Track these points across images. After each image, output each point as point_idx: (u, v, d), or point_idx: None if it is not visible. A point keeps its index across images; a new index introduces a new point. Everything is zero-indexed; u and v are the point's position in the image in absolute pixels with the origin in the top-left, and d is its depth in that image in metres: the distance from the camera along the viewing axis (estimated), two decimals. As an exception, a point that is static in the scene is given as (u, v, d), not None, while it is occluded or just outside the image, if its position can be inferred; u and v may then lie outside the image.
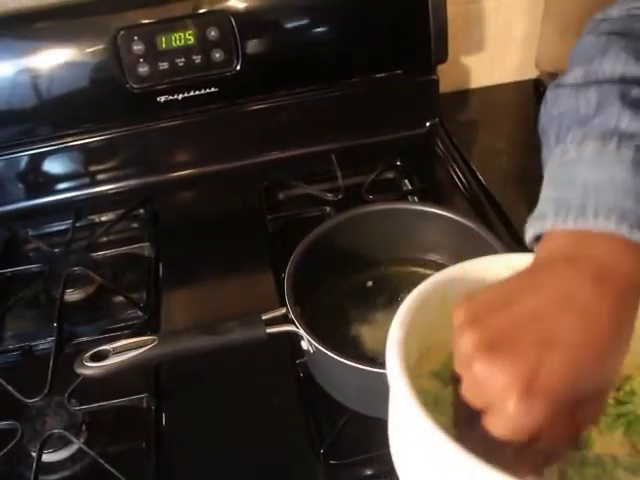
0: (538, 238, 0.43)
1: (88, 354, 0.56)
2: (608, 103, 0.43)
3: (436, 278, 0.47)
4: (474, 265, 0.48)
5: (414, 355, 0.43)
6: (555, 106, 0.48)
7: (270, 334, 0.60)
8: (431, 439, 0.36)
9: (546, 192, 0.43)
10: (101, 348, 0.56)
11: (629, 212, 0.39)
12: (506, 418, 0.35)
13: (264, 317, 0.61)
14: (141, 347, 0.56)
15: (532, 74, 1.08)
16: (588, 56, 0.47)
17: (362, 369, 0.57)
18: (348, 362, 0.57)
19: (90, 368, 0.56)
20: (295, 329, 0.60)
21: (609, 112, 0.43)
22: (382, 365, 0.55)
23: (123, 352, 0.56)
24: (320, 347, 0.58)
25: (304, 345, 0.61)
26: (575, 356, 0.36)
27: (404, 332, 0.42)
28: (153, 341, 0.57)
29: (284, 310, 0.61)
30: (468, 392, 0.38)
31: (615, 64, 0.45)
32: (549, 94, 0.50)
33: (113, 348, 0.56)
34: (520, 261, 0.47)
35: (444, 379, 0.45)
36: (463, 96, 1.08)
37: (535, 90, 1.07)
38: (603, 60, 0.46)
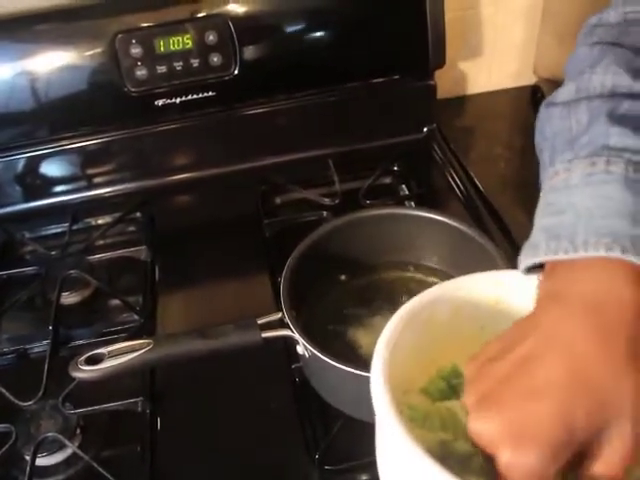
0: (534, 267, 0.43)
1: (83, 357, 0.56)
2: (597, 121, 0.43)
3: (423, 296, 0.46)
4: (461, 283, 0.49)
5: (403, 372, 0.43)
6: (548, 125, 0.47)
7: (266, 338, 0.60)
8: (411, 458, 0.37)
9: (538, 219, 0.43)
10: (96, 351, 0.56)
11: (621, 235, 0.38)
12: (506, 468, 0.36)
13: (260, 321, 0.60)
14: (136, 350, 0.56)
15: (530, 80, 1.08)
16: (580, 69, 0.47)
17: (357, 374, 0.57)
18: (343, 367, 0.57)
19: (85, 371, 0.55)
20: (291, 333, 0.60)
21: (597, 130, 0.42)
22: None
23: (118, 355, 0.56)
24: (315, 352, 0.58)
25: (300, 350, 0.61)
26: (562, 399, 0.36)
27: (389, 351, 0.42)
28: (148, 344, 0.57)
29: (280, 314, 0.61)
30: (478, 445, 0.38)
31: (605, 77, 0.45)
32: (542, 112, 0.49)
33: (108, 351, 0.56)
34: (508, 278, 0.47)
35: (433, 395, 0.45)
36: (460, 102, 1.09)
37: (532, 96, 1.07)
38: (593, 74, 0.46)
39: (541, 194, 0.45)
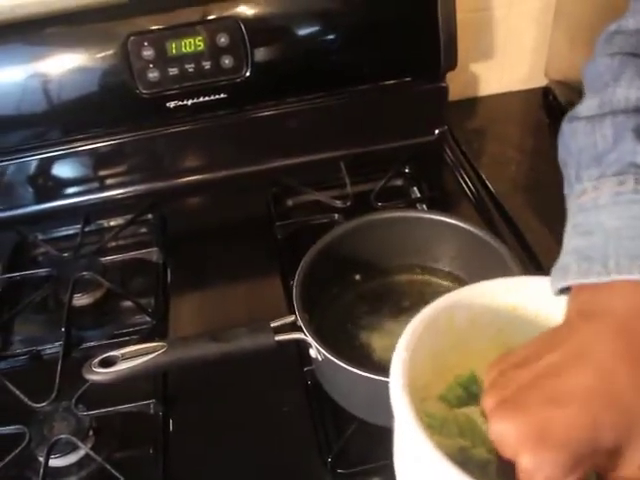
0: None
1: (97, 360, 0.56)
2: (623, 138, 0.43)
3: (442, 301, 0.46)
4: (479, 288, 0.48)
5: (421, 378, 0.43)
6: (573, 141, 0.47)
7: (279, 342, 0.60)
8: (432, 463, 0.37)
9: (567, 240, 0.43)
10: (110, 354, 0.56)
11: None
12: (525, 472, 0.36)
13: (273, 325, 0.60)
14: (150, 353, 0.56)
15: (541, 82, 1.08)
16: (602, 82, 0.47)
17: (370, 378, 0.57)
18: (356, 370, 0.57)
19: (99, 374, 0.56)
20: (304, 337, 0.60)
21: (624, 147, 0.42)
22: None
23: (132, 358, 0.56)
24: (328, 355, 0.58)
25: (312, 353, 0.61)
26: (589, 407, 0.36)
27: (409, 355, 0.42)
28: (162, 347, 0.57)
29: (293, 317, 0.61)
30: (498, 449, 0.38)
31: (629, 91, 0.44)
32: (565, 127, 0.49)
33: (122, 354, 0.56)
34: (525, 284, 0.47)
35: (451, 402, 0.45)
36: (472, 104, 1.08)
37: (544, 98, 1.07)
38: (617, 87, 0.45)
39: (569, 213, 0.45)
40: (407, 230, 0.73)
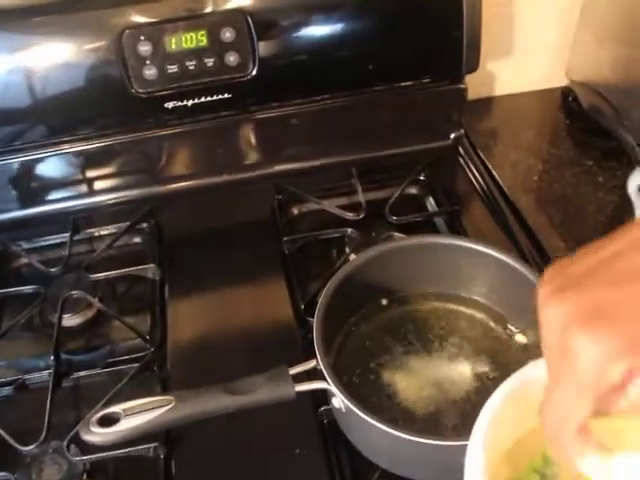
0: None
1: (96, 417, 0.50)
2: None
3: (518, 376, 0.40)
4: None
5: (492, 461, 0.37)
6: None
7: (299, 392, 0.54)
8: None
9: None
10: (111, 410, 0.50)
11: None
12: (569, 352, 0.31)
13: (292, 372, 0.54)
14: (156, 409, 0.50)
15: (560, 82, 1.02)
16: None
17: (400, 437, 0.51)
18: (385, 427, 0.51)
19: (98, 435, 0.49)
20: (327, 386, 0.54)
21: None
22: (420, 433, 0.50)
23: (135, 414, 0.50)
24: (354, 408, 0.52)
25: (335, 403, 0.55)
26: None
27: (483, 449, 0.36)
28: (169, 402, 0.50)
29: (313, 363, 0.55)
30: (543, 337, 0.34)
31: None
32: None
33: (124, 410, 0.50)
34: None
35: None
36: (488, 103, 1.02)
37: (563, 99, 1.01)
38: None
39: None
40: (431, 257, 0.67)
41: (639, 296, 0.31)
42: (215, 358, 0.69)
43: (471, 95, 0.95)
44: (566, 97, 1.01)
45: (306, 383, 0.55)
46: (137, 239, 0.85)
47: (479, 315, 0.67)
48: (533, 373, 0.42)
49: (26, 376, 0.70)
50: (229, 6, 0.78)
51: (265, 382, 0.53)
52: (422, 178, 0.88)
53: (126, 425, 0.49)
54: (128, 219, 0.83)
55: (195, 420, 0.53)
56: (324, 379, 0.54)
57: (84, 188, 0.86)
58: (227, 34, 0.78)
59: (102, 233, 0.84)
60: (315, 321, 0.58)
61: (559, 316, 0.32)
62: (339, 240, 0.81)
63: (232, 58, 0.79)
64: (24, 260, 0.82)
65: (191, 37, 0.77)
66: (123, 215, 0.85)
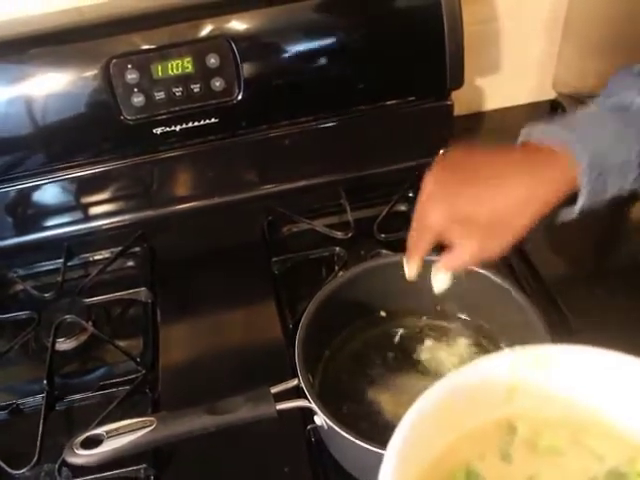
0: None
1: (79, 439, 0.51)
2: None
3: (438, 388, 0.41)
4: (476, 370, 0.43)
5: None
6: None
7: (280, 411, 0.54)
8: None
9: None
10: (94, 432, 0.51)
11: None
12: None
13: (273, 390, 0.55)
14: (138, 430, 0.51)
15: (548, 95, 1.03)
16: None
17: (381, 453, 0.51)
18: (367, 446, 0.52)
19: (81, 456, 0.50)
20: (308, 404, 0.55)
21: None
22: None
23: (118, 436, 0.50)
24: (336, 428, 0.53)
25: (318, 421, 0.56)
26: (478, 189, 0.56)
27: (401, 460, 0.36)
28: (151, 423, 0.51)
29: (295, 382, 0.56)
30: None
31: None
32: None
33: (106, 432, 0.51)
34: (523, 360, 0.42)
35: None
36: (477, 119, 1.03)
37: (552, 111, 1.01)
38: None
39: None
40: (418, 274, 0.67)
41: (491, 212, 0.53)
42: (206, 380, 0.70)
43: (460, 110, 0.96)
44: (555, 110, 1.01)
45: (288, 401, 0.55)
46: (130, 263, 0.86)
47: (467, 332, 0.67)
48: (457, 381, 0.42)
49: (20, 400, 0.71)
50: (214, 33, 0.79)
51: (247, 401, 0.54)
52: (410, 195, 0.89)
53: (109, 446, 0.50)
54: (121, 243, 0.85)
55: (178, 440, 0.53)
56: (305, 397, 0.55)
57: (78, 214, 0.88)
58: (212, 60, 0.80)
59: (96, 258, 0.86)
60: (297, 340, 0.58)
61: (434, 213, 0.56)
62: (328, 259, 0.82)
63: (218, 83, 0.81)
64: (19, 287, 0.84)
65: (177, 64, 0.79)
66: (116, 240, 0.86)
